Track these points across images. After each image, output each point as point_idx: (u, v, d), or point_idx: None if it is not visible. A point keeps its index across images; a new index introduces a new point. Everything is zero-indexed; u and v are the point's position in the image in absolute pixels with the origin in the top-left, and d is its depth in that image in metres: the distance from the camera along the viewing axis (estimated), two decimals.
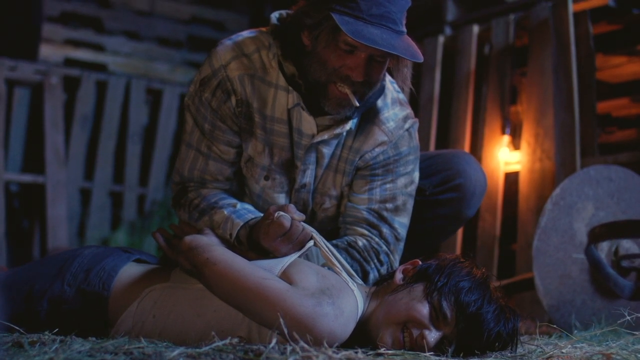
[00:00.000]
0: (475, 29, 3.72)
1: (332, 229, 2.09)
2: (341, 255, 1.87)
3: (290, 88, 1.90)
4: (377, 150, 1.99)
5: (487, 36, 3.70)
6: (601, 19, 3.36)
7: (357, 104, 1.84)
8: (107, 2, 4.87)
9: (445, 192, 2.16)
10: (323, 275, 1.62)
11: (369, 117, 1.98)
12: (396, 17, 1.75)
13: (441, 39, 3.86)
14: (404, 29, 1.79)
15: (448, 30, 3.93)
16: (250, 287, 1.56)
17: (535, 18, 3.43)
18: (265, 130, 1.95)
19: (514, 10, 3.61)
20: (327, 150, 1.97)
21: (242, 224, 1.88)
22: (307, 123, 1.92)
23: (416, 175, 2.06)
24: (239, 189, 2.06)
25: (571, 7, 3.26)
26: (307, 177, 1.99)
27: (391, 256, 1.99)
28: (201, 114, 1.97)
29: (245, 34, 1.99)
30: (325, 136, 1.93)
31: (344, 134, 1.96)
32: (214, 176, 2.00)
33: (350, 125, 1.93)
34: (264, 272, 1.60)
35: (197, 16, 5.19)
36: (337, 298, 1.55)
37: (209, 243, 1.68)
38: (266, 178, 1.99)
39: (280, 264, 1.67)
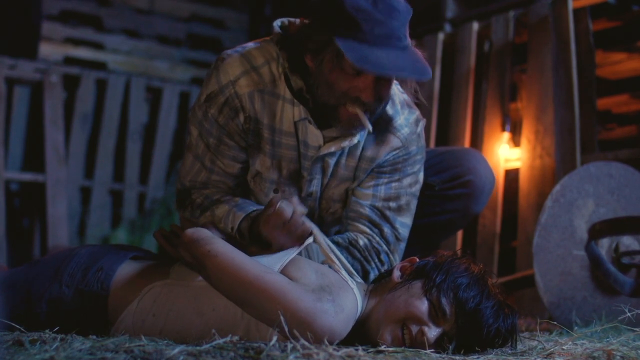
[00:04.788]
0: (475, 26, 3.72)
1: (339, 229, 2.09)
2: (342, 254, 1.87)
3: (295, 101, 1.88)
4: (391, 153, 1.98)
5: (486, 33, 3.70)
6: (601, 15, 3.35)
7: (371, 129, 1.81)
8: (106, 1, 4.86)
9: (454, 188, 2.16)
10: (322, 273, 1.62)
11: (382, 125, 1.96)
12: (400, 33, 1.71)
13: (441, 36, 3.86)
14: (408, 41, 1.75)
15: (448, 28, 3.93)
16: (251, 280, 1.55)
17: (535, 15, 3.42)
18: (274, 143, 1.93)
19: (514, 7, 3.60)
20: (332, 161, 1.96)
21: (243, 215, 1.87)
22: (314, 136, 1.90)
23: (421, 175, 2.05)
24: (245, 197, 2.04)
25: (571, 4, 3.26)
26: (314, 186, 1.98)
27: (391, 256, 1.99)
28: (205, 128, 1.94)
29: (250, 45, 1.95)
30: (332, 148, 1.91)
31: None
32: (216, 185, 1.99)
33: (357, 138, 1.92)
34: (265, 267, 1.60)
35: (197, 14, 5.18)
36: (336, 295, 1.55)
37: (211, 236, 1.67)
38: (276, 191, 1.98)
39: (279, 261, 1.67)
